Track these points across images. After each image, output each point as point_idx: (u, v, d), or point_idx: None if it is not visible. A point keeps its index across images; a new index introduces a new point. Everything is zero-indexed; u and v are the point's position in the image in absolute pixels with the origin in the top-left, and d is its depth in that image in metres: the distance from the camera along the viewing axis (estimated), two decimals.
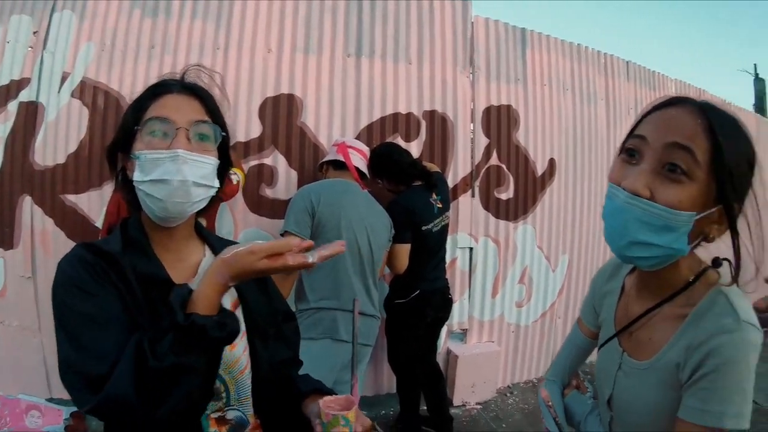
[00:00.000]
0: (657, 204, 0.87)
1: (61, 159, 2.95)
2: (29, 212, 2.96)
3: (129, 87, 3.00)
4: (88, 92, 2.97)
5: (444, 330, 3.68)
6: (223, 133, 1.08)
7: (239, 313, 1.13)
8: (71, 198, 2.97)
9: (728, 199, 0.89)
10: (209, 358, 0.90)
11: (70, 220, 2.97)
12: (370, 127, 3.47)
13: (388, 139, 3.48)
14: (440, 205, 3.08)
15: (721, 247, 0.97)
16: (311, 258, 0.89)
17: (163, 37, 3.06)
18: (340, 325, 2.47)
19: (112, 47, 3.00)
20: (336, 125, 3.37)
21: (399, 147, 3.15)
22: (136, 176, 0.99)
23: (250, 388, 1.13)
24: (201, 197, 1.04)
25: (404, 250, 2.93)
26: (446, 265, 3.42)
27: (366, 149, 2.96)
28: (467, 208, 3.90)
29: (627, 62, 4.85)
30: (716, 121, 0.88)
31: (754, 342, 0.88)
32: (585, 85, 4.51)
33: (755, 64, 22.03)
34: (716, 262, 0.99)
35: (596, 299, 1.27)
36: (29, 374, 3.05)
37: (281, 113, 3.24)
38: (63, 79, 2.95)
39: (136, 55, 3.02)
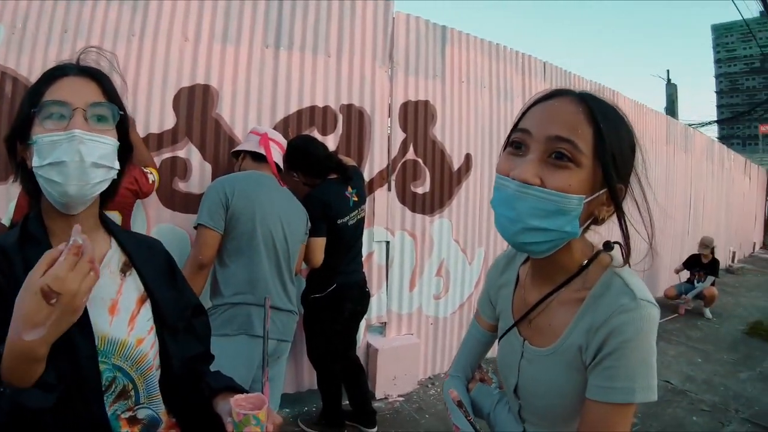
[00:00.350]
0: (548, 189, 0.89)
1: None
2: None
3: (39, 73, 2.75)
4: None
5: (363, 324, 3.69)
6: (121, 112, 1.06)
7: (147, 309, 1.11)
8: None
9: (612, 181, 0.93)
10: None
11: None
12: (286, 120, 3.46)
13: (305, 133, 3.48)
14: (356, 199, 3.11)
15: (615, 230, 1.01)
16: (72, 239, 0.81)
17: (76, 21, 2.90)
18: (256, 320, 2.40)
19: (23, 30, 2.80)
20: (252, 117, 3.34)
21: (315, 140, 3.15)
22: (35, 162, 0.96)
23: (160, 385, 1.12)
24: (101, 179, 1.01)
25: (320, 243, 2.94)
26: (363, 259, 3.45)
27: (285, 142, 2.95)
28: (383, 202, 3.96)
29: (544, 63, 5.06)
30: (597, 109, 0.92)
31: (653, 318, 0.92)
32: (502, 83, 4.67)
33: (668, 70, 23.26)
34: (608, 246, 1.03)
35: (492, 292, 1.29)
36: None
37: (196, 104, 3.16)
38: None
39: (48, 39, 2.85)
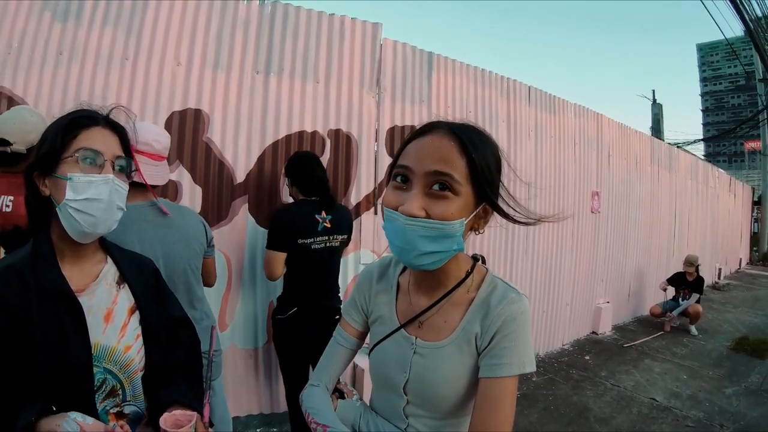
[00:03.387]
0: (432, 220, 1.00)
1: None
2: None
3: (34, 94, 2.84)
4: None
5: None
6: (134, 169, 1.31)
7: (135, 318, 1.28)
8: None
9: (490, 197, 1.07)
10: None
11: None
12: (275, 144, 3.53)
13: None
14: (328, 225, 2.98)
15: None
16: None
17: (71, 43, 2.95)
18: None
19: (19, 51, 2.84)
20: (242, 141, 3.40)
21: (316, 159, 3.08)
22: (69, 195, 1.13)
23: (145, 385, 1.28)
24: (118, 218, 1.23)
25: (276, 257, 2.89)
26: (349, 282, 3.38)
27: (162, 137, 2.31)
28: (370, 225, 4.02)
29: (529, 87, 5.16)
30: (467, 141, 1.03)
31: (529, 308, 1.14)
32: (488, 108, 4.78)
33: (653, 90, 23.51)
34: (475, 258, 1.23)
35: (363, 299, 1.37)
36: None
37: (187, 128, 3.21)
38: None
39: (43, 60, 2.89)
